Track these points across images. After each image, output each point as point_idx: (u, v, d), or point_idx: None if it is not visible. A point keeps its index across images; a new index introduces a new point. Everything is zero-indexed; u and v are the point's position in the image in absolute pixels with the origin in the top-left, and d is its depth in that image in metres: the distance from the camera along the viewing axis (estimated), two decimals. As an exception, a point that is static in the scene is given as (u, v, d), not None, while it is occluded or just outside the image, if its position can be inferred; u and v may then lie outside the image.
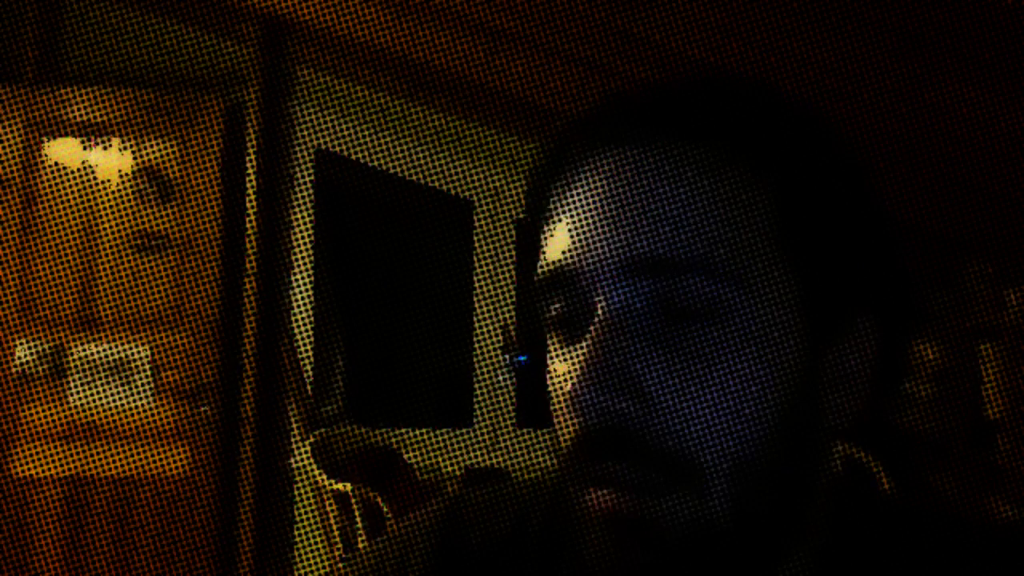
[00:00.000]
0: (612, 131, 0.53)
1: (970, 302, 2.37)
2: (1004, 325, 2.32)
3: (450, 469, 3.39)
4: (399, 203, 3.73)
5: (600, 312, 0.50)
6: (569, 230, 0.52)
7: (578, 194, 0.53)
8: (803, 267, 0.51)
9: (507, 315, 3.50)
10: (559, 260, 0.52)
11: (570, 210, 0.53)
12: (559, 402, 0.52)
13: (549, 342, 0.54)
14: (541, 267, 0.54)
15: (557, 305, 0.53)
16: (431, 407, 3.83)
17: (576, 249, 0.52)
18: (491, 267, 3.51)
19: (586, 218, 0.52)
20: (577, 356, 0.50)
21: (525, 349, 3.52)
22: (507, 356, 3.48)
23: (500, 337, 3.48)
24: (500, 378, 3.49)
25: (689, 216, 0.49)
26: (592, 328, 0.50)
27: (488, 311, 3.50)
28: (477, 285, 3.51)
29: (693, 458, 0.48)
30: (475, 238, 3.52)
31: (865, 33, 1.84)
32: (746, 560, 0.50)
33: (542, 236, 0.55)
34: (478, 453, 3.47)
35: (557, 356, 0.53)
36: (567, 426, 0.50)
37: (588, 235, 0.51)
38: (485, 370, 3.50)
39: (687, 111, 0.53)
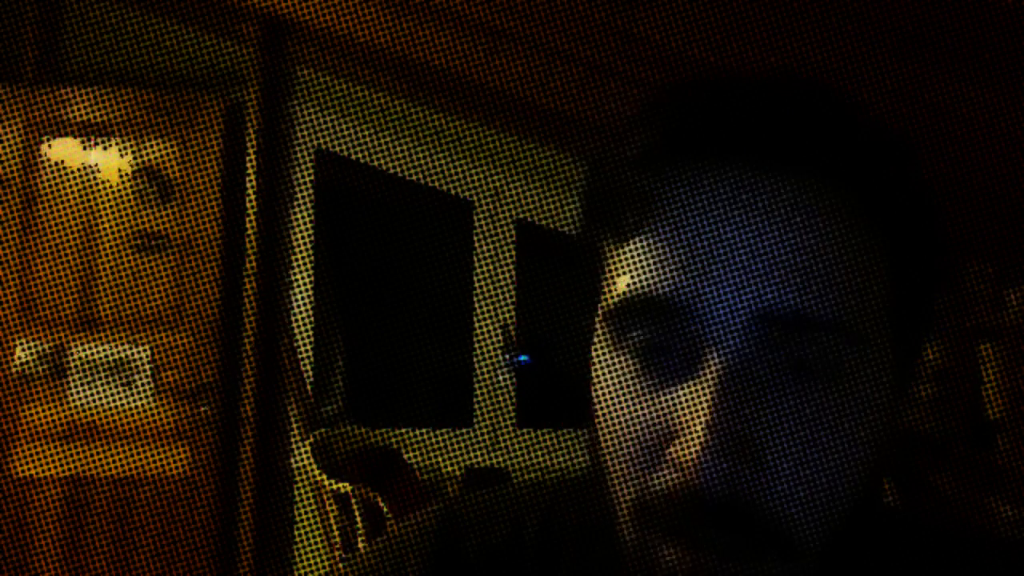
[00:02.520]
0: (743, 147, 0.47)
1: (970, 302, 2.37)
2: (1004, 325, 2.32)
3: (450, 469, 3.39)
4: (399, 203, 3.73)
5: (718, 364, 0.45)
6: (679, 257, 0.46)
7: (693, 214, 0.47)
8: (899, 323, 0.49)
9: (507, 315, 3.49)
10: (662, 291, 0.46)
11: (680, 231, 0.47)
12: (641, 443, 0.47)
13: (617, 360, 0.49)
14: (630, 290, 0.48)
15: (641, 332, 0.48)
16: (431, 407, 3.83)
17: (690, 284, 0.46)
18: (491, 267, 3.51)
19: (708, 249, 0.46)
20: (693, 409, 0.45)
21: (525, 349, 3.52)
22: (507, 356, 3.48)
23: (500, 337, 3.48)
24: (500, 378, 3.49)
25: (827, 267, 0.45)
26: (710, 382, 0.45)
27: (488, 311, 3.50)
28: (477, 285, 3.51)
29: (796, 525, 0.45)
30: (475, 238, 3.52)
31: (865, 33, 1.84)
32: None
33: (625, 248, 0.49)
34: (478, 453, 3.47)
35: (633, 380, 0.48)
36: (660, 477, 0.46)
37: (711, 272, 0.46)
38: (485, 370, 3.50)
39: (833, 143, 0.47)
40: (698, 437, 0.44)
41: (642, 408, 0.48)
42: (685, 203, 0.47)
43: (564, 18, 2.33)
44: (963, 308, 2.38)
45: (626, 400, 0.48)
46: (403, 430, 3.46)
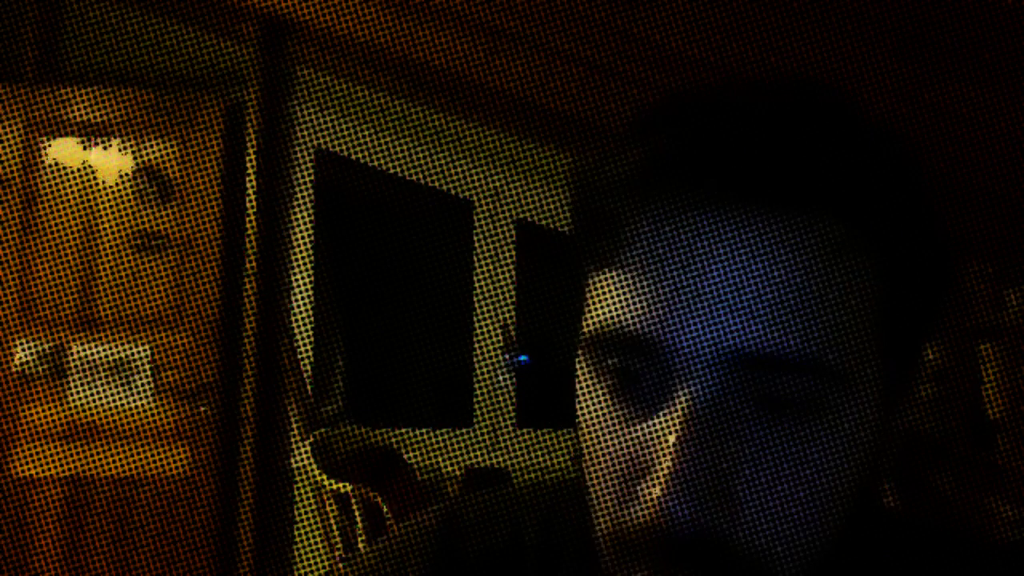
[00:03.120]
0: (728, 181, 0.45)
1: (970, 302, 2.37)
2: (1004, 325, 2.32)
3: (450, 469, 3.39)
4: (399, 203, 3.73)
5: (686, 403, 0.44)
6: (654, 292, 0.45)
7: (670, 249, 0.45)
8: (890, 354, 0.48)
9: (507, 315, 3.50)
10: (635, 327, 0.46)
11: (657, 266, 0.46)
12: (614, 475, 0.47)
13: (593, 386, 0.49)
14: (605, 322, 0.47)
15: (616, 362, 0.47)
16: (431, 407, 3.83)
17: (662, 321, 0.45)
18: (491, 267, 3.51)
19: (682, 286, 0.45)
20: (658, 447, 0.45)
21: (525, 349, 3.52)
22: (507, 356, 3.48)
23: (500, 337, 3.48)
24: (500, 378, 3.49)
25: (809, 307, 0.44)
26: (677, 420, 0.44)
27: (488, 311, 3.50)
28: (477, 285, 3.51)
29: (769, 561, 0.45)
30: (475, 238, 3.52)
31: (865, 33, 1.84)
32: None
33: (604, 277, 0.48)
34: (478, 453, 3.47)
35: (606, 408, 0.48)
36: (630, 512, 0.46)
37: (683, 310, 0.44)
38: (485, 370, 3.50)
39: (823, 176, 0.45)
40: (662, 478, 0.43)
41: (616, 440, 0.47)
42: (660, 237, 0.46)
43: (564, 18, 2.33)
44: (963, 308, 2.37)
45: (602, 430, 0.48)
46: (403, 430, 3.46)
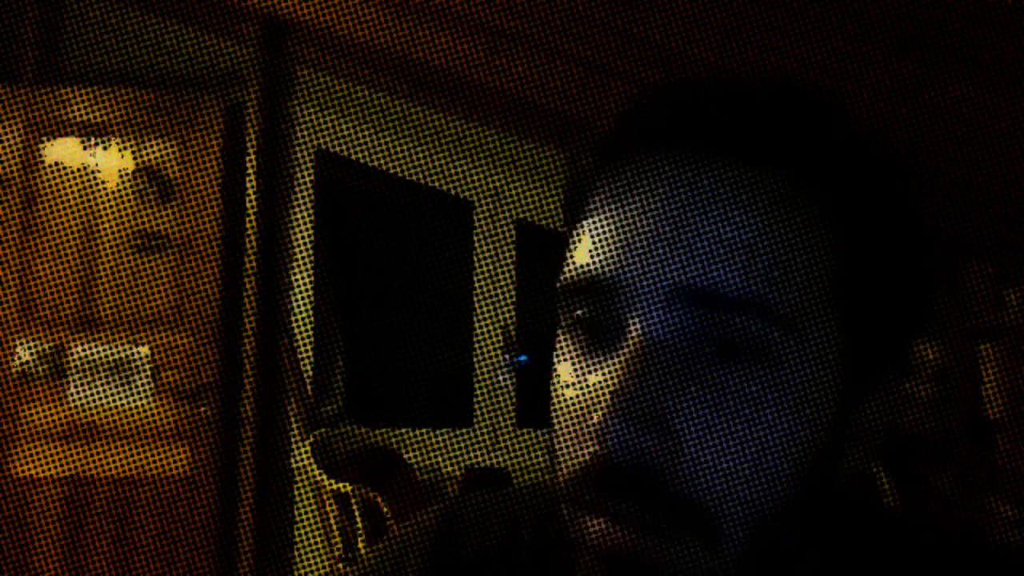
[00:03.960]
0: (679, 134, 0.48)
1: (970, 302, 2.37)
2: (1004, 325, 2.32)
3: (450, 469, 3.39)
4: (399, 203, 3.73)
5: (634, 336, 0.46)
6: (610, 235, 0.48)
7: (626, 196, 0.48)
8: (851, 319, 0.48)
9: (507, 315, 3.50)
10: (593, 268, 0.48)
11: (614, 212, 0.48)
12: (570, 417, 0.48)
13: (563, 341, 0.50)
14: (570, 270, 0.49)
15: (581, 311, 0.49)
16: (431, 407, 3.83)
17: (616, 260, 0.47)
18: (491, 267, 3.51)
19: (634, 227, 0.47)
20: (605, 379, 0.46)
21: (525, 349, 3.52)
22: (507, 356, 3.48)
23: (500, 337, 3.48)
24: (500, 378, 3.49)
25: (753, 249, 0.45)
26: (624, 353, 0.46)
27: (488, 311, 3.50)
28: (477, 285, 3.51)
29: (712, 508, 0.45)
30: (475, 238, 3.52)
31: (865, 33, 1.84)
32: None
33: (575, 233, 0.51)
34: (478, 453, 3.47)
35: (571, 358, 0.49)
36: (579, 450, 0.46)
37: (634, 248, 0.47)
38: (485, 370, 3.50)
39: (767, 130, 0.48)
40: (604, 404, 0.45)
41: (575, 384, 0.49)
42: (615, 184, 0.49)
43: (564, 18, 2.33)
44: (963, 308, 2.38)
45: (565, 378, 0.49)
46: (403, 430, 3.46)
